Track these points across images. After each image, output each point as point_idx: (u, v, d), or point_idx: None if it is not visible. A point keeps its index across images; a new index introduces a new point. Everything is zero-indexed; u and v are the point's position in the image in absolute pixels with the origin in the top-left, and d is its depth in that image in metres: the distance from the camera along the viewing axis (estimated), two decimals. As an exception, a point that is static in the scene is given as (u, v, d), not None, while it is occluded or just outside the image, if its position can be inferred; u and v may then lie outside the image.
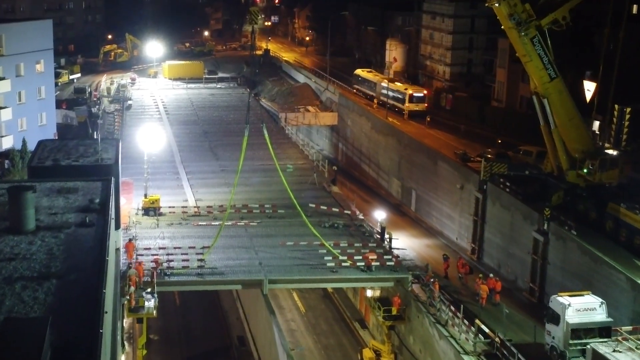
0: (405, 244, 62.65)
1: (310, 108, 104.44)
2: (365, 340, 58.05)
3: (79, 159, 50.74)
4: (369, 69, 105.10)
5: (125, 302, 46.38)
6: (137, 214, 62.44)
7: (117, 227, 50.00)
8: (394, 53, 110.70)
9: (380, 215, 65.13)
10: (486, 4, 52.76)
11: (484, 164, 58.40)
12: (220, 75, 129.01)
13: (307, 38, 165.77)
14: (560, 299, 40.80)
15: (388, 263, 52.63)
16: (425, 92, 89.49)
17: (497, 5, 51.31)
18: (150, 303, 46.20)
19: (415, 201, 73.36)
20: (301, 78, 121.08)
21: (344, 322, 61.54)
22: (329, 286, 57.06)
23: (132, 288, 46.54)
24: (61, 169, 49.03)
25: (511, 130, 76.98)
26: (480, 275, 50.89)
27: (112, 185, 45.94)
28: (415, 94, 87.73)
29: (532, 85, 53.96)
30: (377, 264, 52.28)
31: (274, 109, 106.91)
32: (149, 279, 48.51)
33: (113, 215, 47.14)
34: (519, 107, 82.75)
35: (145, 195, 63.37)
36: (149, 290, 47.66)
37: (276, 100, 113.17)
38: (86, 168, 49.28)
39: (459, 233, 63.54)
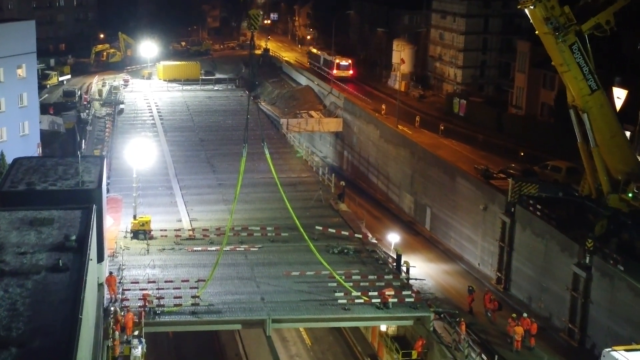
0: (421, 270, 56.64)
1: (313, 113, 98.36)
2: (380, 379, 52.07)
3: (56, 182, 44.71)
4: (317, 47, 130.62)
5: (109, 346, 40.34)
6: (125, 236, 56.34)
7: (101, 259, 43.95)
8: (401, 54, 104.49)
9: (393, 238, 59.30)
10: (519, 6, 46.67)
11: (512, 183, 52.39)
12: (218, 76, 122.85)
13: (308, 37, 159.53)
14: (616, 355, 34.79)
15: (407, 299, 46.51)
16: (350, 61, 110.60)
17: (532, 7, 45.21)
18: (138, 351, 40.16)
19: (431, 220, 67.36)
20: (303, 80, 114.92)
21: (354, 358, 55.41)
22: (341, 325, 51.02)
23: (117, 333, 40.49)
24: (36, 194, 43.06)
25: (533, 141, 71.02)
26: (513, 315, 44.83)
27: (94, 215, 39.96)
28: (341, 63, 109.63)
29: (569, 98, 47.96)
30: (395, 300, 46.20)
31: (275, 113, 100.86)
32: (137, 320, 42.47)
33: (95, 249, 41.26)
34: (540, 115, 76.74)
35: (135, 217, 57.26)
36: (136, 332, 41.66)
37: (276, 104, 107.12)
38: (64, 194, 43.29)
39: (482, 259, 57.56)
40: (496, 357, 39.59)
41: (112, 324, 41.26)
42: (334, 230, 57.40)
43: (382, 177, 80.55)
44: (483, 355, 40.79)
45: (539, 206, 50.30)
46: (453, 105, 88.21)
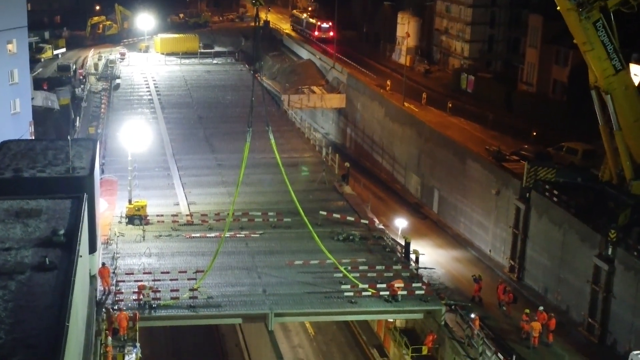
0: (430, 257, 54.07)
1: (315, 89, 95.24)
2: (387, 373, 49.73)
3: (45, 169, 41.93)
4: (300, 10, 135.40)
5: (101, 353, 37.85)
6: (120, 222, 53.72)
7: (93, 250, 41.34)
8: (406, 27, 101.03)
9: (401, 223, 56.69)
10: (539, -20, 43.55)
11: (527, 167, 49.61)
12: (217, 49, 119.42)
13: (309, 8, 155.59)
14: (644, 358, 32.38)
15: (417, 292, 43.97)
16: (330, 23, 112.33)
17: (553, -18, 42.21)
18: (132, 357, 37.70)
19: (438, 203, 64.71)
20: (304, 54, 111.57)
21: (360, 349, 53.00)
22: (347, 319, 48.60)
23: (110, 339, 37.98)
24: (23, 182, 40.27)
25: (544, 120, 68.12)
26: (527, 310, 42.31)
27: (85, 205, 37.29)
28: (322, 25, 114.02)
29: (591, 79, 45.07)
30: (404, 292, 43.69)
31: (275, 89, 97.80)
32: (131, 319, 40.02)
33: (86, 240, 38.67)
34: (551, 93, 73.73)
35: (130, 201, 54.58)
36: (130, 335, 39.24)
37: (277, 78, 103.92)
38: (53, 182, 40.53)
39: (493, 245, 54.99)
40: (514, 357, 37.11)
41: (104, 327, 38.77)
42: (338, 216, 54.78)
43: (387, 157, 77.78)
44: (499, 355, 38.32)
45: (555, 192, 47.60)
46: (460, 81, 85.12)
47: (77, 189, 39.60)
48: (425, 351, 42.86)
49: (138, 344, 38.66)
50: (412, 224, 61.05)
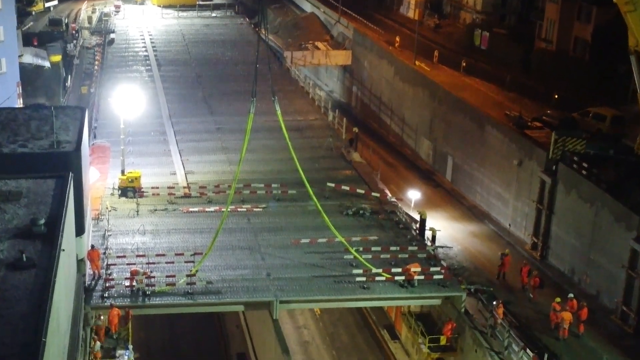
0: (445, 232, 50.27)
1: (319, 45, 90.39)
2: (398, 357, 46.25)
3: (27, 143, 37.88)
4: None
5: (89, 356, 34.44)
6: (112, 194, 49.87)
7: (81, 232, 37.55)
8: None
9: (414, 195, 52.90)
10: None
11: (554, 137, 45.51)
12: (216, 1, 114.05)
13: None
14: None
15: (435, 277, 40.30)
16: None
17: None
18: (124, 361, 34.34)
19: (452, 170, 60.73)
20: (307, 7, 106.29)
21: (369, 330, 49.67)
22: (359, 306, 45.04)
23: (98, 344, 34.47)
24: (2, 159, 36.25)
25: (566, 82, 63.69)
26: (557, 299, 38.62)
27: (70, 186, 33.45)
28: None
29: (631, 42, 40.82)
30: (421, 277, 40.03)
31: (278, 44, 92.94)
32: (124, 321, 36.59)
33: (72, 224, 34.91)
34: (572, 51, 69.13)
35: (123, 172, 50.61)
36: (122, 334, 35.83)
37: (279, 33, 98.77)
38: (36, 158, 36.59)
39: (514, 220, 51.20)
40: (546, 356, 33.57)
41: (91, 332, 35.25)
42: (347, 188, 50.91)
43: (396, 119, 73.55)
44: (528, 351, 34.76)
45: (585, 165, 43.64)
46: (474, 37, 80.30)
47: (62, 167, 35.74)
48: (443, 341, 39.38)
49: (131, 347, 35.20)
50: (424, 193, 57.29)
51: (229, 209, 41.47)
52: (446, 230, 51.20)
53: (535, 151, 48.18)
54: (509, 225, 51.49)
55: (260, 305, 39.17)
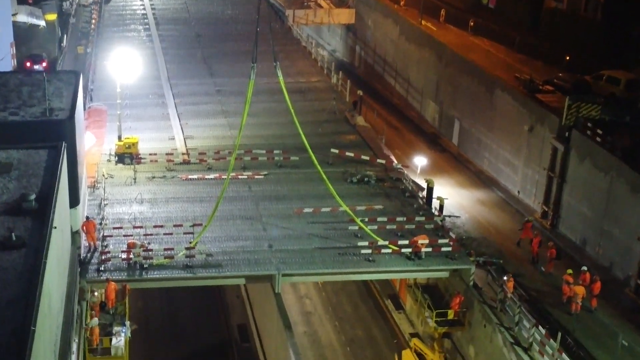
0: (452, 199, 48.70)
1: (322, 3, 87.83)
2: (403, 328, 45.18)
3: (18, 110, 36.21)
4: None
5: (86, 337, 33.16)
6: (109, 160, 48.28)
7: (75, 203, 36.10)
8: None
9: (420, 161, 51.29)
10: None
11: (568, 102, 43.71)
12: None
13: None
14: None
15: (443, 249, 38.87)
16: None
17: None
18: (120, 340, 32.95)
19: (459, 134, 58.99)
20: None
21: (373, 300, 48.51)
22: (364, 279, 43.69)
23: (95, 320, 33.16)
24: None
25: (577, 43, 61.54)
26: (569, 271, 37.22)
27: (63, 157, 31.87)
28: None
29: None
30: (429, 249, 38.62)
31: (279, 2, 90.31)
32: (121, 295, 35.28)
33: (65, 196, 33.44)
34: (583, 11, 66.71)
35: (120, 138, 48.94)
36: (119, 309, 34.53)
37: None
38: (27, 127, 34.97)
39: (523, 187, 49.63)
40: (559, 335, 32.25)
41: (87, 307, 33.97)
42: (352, 154, 49.25)
43: (401, 80, 71.55)
44: (540, 328, 33.47)
45: (599, 131, 41.94)
46: (481, -5, 77.82)
47: (55, 136, 34.15)
48: (451, 315, 38.12)
49: (127, 323, 33.91)
50: (430, 158, 55.62)
51: (229, 178, 39.84)
52: (453, 198, 49.67)
53: (547, 116, 46.41)
54: (518, 192, 49.97)
55: (262, 278, 37.88)
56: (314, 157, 39.69)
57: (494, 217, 47.80)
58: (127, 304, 35.50)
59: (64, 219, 32.05)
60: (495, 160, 53.03)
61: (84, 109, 56.83)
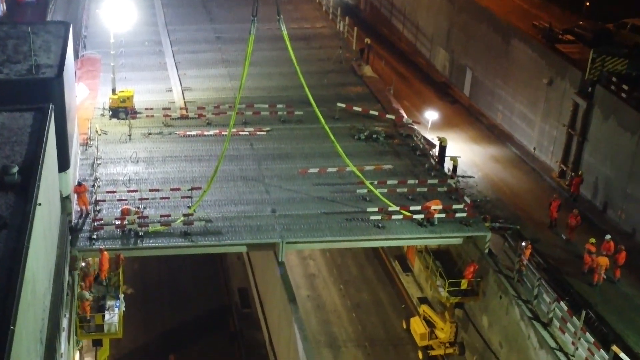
0: (464, 156, 46.15)
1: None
2: (411, 292, 43.33)
3: (2, 67, 33.52)
4: None
5: (77, 314, 31.11)
6: (103, 114, 45.70)
7: (65, 167, 33.67)
8: None
9: (431, 115, 48.69)
10: None
11: (592, 55, 40.80)
12: None
13: None
14: None
15: (458, 215, 36.56)
16: None
17: None
18: (114, 316, 30.86)
19: (471, 85, 56.11)
20: None
21: (379, 261, 46.52)
22: (372, 246, 41.44)
23: (86, 293, 31.03)
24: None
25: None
26: (592, 240, 34.92)
27: (50, 119, 29.40)
28: None
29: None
30: (442, 215, 36.33)
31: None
32: (114, 265, 33.17)
33: (54, 161, 31.07)
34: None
35: (114, 91, 46.21)
36: (113, 281, 32.45)
37: None
38: (12, 86, 32.29)
39: (539, 144, 47.06)
40: (583, 312, 30.14)
41: (78, 278, 31.84)
42: (359, 109, 46.59)
43: (409, 25, 68.23)
44: (562, 304, 31.39)
45: (625, 87, 39.17)
46: None
47: (42, 96, 31.60)
48: (464, 285, 36.04)
49: (122, 296, 31.81)
50: (440, 111, 52.99)
51: (230, 135, 37.17)
52: (465, 154, 47.14)
53: (569, 69, 43.52)
54: (534, 149, 47.42)
55: (265, 246, 35.68)
56: (318, 113, 36.98)
57: (509, 176, 45.36)
58: (121, 275, 33.41)
59: (51, 188, 29.71)
60: (509, 113, 50.32)
61: (77, 57, 54.11)
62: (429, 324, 38.98)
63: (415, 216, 36.03)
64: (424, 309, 39.61)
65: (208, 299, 43.31)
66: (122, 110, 45.06)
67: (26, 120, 29.65)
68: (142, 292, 42.61)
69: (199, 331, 40.66)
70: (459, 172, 42.38)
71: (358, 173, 37.05)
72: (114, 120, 45.00)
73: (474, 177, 43.78)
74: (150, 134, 43.56)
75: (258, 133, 44.33)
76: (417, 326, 39.15)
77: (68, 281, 31.92)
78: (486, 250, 36.06)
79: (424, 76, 62.04)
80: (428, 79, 61.47)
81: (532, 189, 43.72)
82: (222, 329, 41.17)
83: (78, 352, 32.90)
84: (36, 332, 23.37)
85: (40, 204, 24.59)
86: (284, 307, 34.26)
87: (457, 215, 36.32)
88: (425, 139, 44.78)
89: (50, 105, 30.23)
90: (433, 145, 44.54)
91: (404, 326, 40.77)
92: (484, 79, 53.99)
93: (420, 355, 38.64)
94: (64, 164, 33.44)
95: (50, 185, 29.39)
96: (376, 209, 36.02)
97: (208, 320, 41.73)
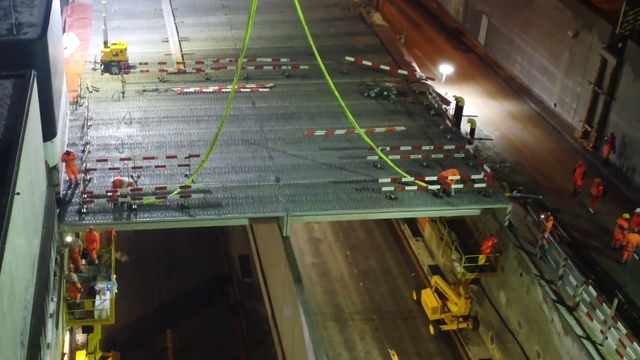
0: (480, 113, 43.32)
1: None
2: (421, 259, 41.06)
3: (-22, 28, 30.47)
4: None
5: (65, 299, 28.79)
6: (94, 69, 42.68)
7: (51, 135, 30.93)
8: None
9: (446, 69, 45.58)
10: None
11: (625, 8, 37.41)
12: None
13: None
14: None
15: (476, 185, 33.89)
16: None
17: None
18: (105, 301, 28.53)
19: (487, 32, 52.68)
20: None
21: (388, 225, 43.97)
22: (383, 217, 38.75)
23: (74, 275, 28.61)
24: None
25: None
26: (626, 215, 32.25)
27: (32, 88, 26.60)
28: None
29: None
30: (460, 186, 33.69)
31: None
32: (106, 241, 30.79)
33: (38, 129, 28.40)
34: None
35: (106, 44, 43.00)
36: (104, 259, 30.09)
37: None
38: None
39: (561, 100, 44.03)
40: (615, 300, 27.77)
41: (67, 259, 29.44)
42: (369, 63, 43.47)
43: (421, -35, 64.17)
44: (591, 288, 29.03)
45: (657, 44, 36.07)
46: None
47: (24, 59, 28.69)
48: (482, 261, 33.65)
49: (114, 277, 29.45)
50: (453, 60, 49.85)
51: (232, 95, 34.16)
52: (480, 109, 44.27)
53: (597, 22, 40.17)
54: (555, 105, 44.43)
55: (268, 220, 33.12)
56: (325, 70, 33.87)
57: (528, 135, 42.51)
58: (112, 252, 31.04)
59: (35, 163, 27.04)
60: (528, 65, 47.11)
61: (67, 2, 50.74)
62: (441, 296, 36.81)
63: (430, 187, 33.40)
64: (435, 280, 37.35)
65: (207, 266, 41.00)
66: (114, 64, 42.02)
67: (5, 89, 26.89)
68: (137, 259, 40.28)
69: (198, 303, 38.48)
70: (475, 132, 39.57)
71: (369, 141, 34.21)
72: (106, 75, 42.01)
73: (492, 139, 40.91)
74: (145, 91, 40.66)
75: (260, 90, 41.38)
76: (429, 299, 36.94)
77: (56, 259, 29.71)
78: (506, 223, 33.55)
79: (436, 21, 58.49)
80: (440, 24, 57.93)
81: (553, 150, 40.94)
82: (222, 300, 38.96)
83: (68, 332, 30.86)
84: (15, 338, 21.09)
85: (18, 194, 22.00)
86: (288, 286, 31.93)
87: (476, 186, 33.66)
88: (439, 95, 41.83)
89: (33, 72, 27.34)
90: (448, 103, 41.63)
91: (414, 297, 38.58)
92: (501, 26, 50.56)
93: (431, 330, 36.52)
94: (50, 132, 30.70)
95: (33, 159, 26.74)
96: (388, 180, 33.34)
97: (207, 290, 39.51)
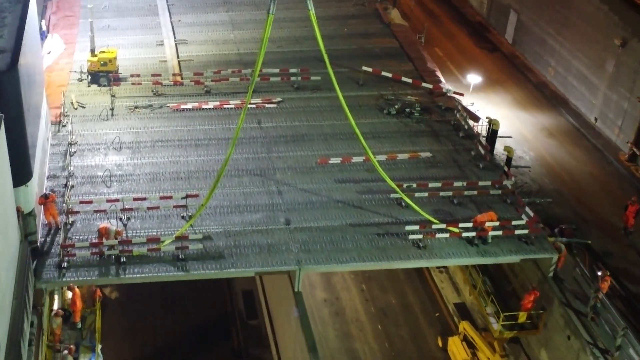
0: (509, 125, 38.76)
1: None
2: (446, 296, 36.81)
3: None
4: None
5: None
6: (80, 79, 38.00)
7: (24, 179, 26.44)
8: None
9: (473, 79, 40.89)
10: None
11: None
12: None
13: None
14: None
15: (517, 232, 29.41)
16: None
17: None
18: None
19: (515, 29, 47.80)
20: None
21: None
22: (410, 267, 34.23)
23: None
24: None
25: None
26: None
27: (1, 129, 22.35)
28: None
29: None
30: (499, 232, 29.23)
31: None
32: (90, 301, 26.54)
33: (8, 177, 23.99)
34: None
35: (93, 52, 38.18)
36: (88, 322, 25.90)
37: None
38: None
39: (603, 114, 39.36)
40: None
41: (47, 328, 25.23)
42: (389, 75, 38.72)
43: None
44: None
45: None
46: None
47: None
48: (523, 318, 29.35)
49: (99, 347, 25.21)
50: (477, 60, 45.17)
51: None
52: (511, 122, 39.72)
53: (649, 31, 35.48)
54: (595, 119, 39.80)
55: (279, 273, 28.74)
56: (337, 88, 28.91)
57: (566, 156, 37.92)
58: (98, 313, 26.79)
59: (2, 217, 22.61)
60: (564, 71, 42.37)
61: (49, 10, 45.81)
62: (470, 344, 32.65)
63: (464, 234, 28.98)
64: (464, 326, 33.16)
65: (207, 303, 36.77)
66: (103, 75, 37.33)
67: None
68: (127, 293, 36.02)
69: (196, 347, 34.36)
70: (506, 151, 34.76)
71: (390, 182, 29.57)
72: (94, 87, 37.36)
73: (529, 167, 36.24)
74: (136, 107, 36.03)
75: (267, 105, 36.74)
76: (457, 349, 32.80)
77: (32, 322, 25.47)
78: (550, 274, 29.20)
79: (457, 15, 53.53)
80: (462, 18, 52.99)
81: (597, 175, 36.43)
82: (223, 345, 34.78)
83: None
84: None
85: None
86: (301, 351, 27.68)
87: (517, 232, 29.24)
88: (468, 112, 37.17)
89: (0, 117, 22.82)
90: (477, 119, 37.05)
91: (439, 343, 34.42)
92: (532, 24, 45.67)
93: (460, 385, 32.45)
94: (23, 176, 26.28)
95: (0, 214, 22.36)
96: (416, 226, 28.86)
97: (207, 332, 35.35)
